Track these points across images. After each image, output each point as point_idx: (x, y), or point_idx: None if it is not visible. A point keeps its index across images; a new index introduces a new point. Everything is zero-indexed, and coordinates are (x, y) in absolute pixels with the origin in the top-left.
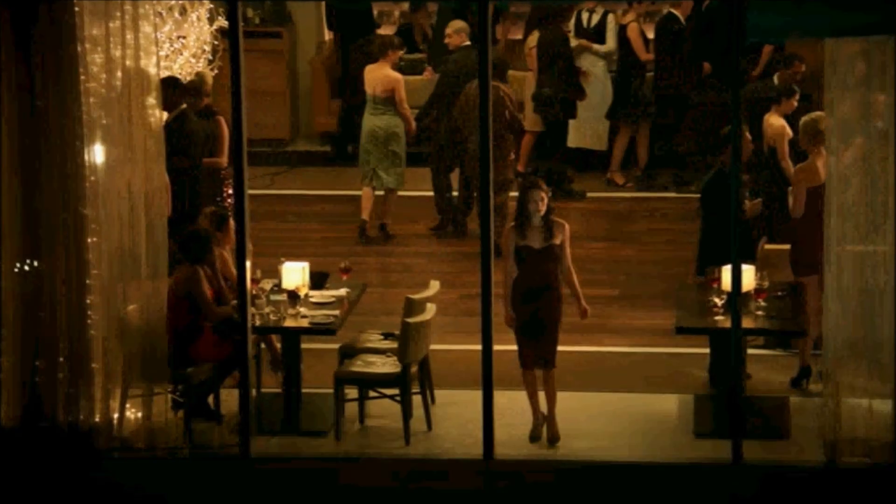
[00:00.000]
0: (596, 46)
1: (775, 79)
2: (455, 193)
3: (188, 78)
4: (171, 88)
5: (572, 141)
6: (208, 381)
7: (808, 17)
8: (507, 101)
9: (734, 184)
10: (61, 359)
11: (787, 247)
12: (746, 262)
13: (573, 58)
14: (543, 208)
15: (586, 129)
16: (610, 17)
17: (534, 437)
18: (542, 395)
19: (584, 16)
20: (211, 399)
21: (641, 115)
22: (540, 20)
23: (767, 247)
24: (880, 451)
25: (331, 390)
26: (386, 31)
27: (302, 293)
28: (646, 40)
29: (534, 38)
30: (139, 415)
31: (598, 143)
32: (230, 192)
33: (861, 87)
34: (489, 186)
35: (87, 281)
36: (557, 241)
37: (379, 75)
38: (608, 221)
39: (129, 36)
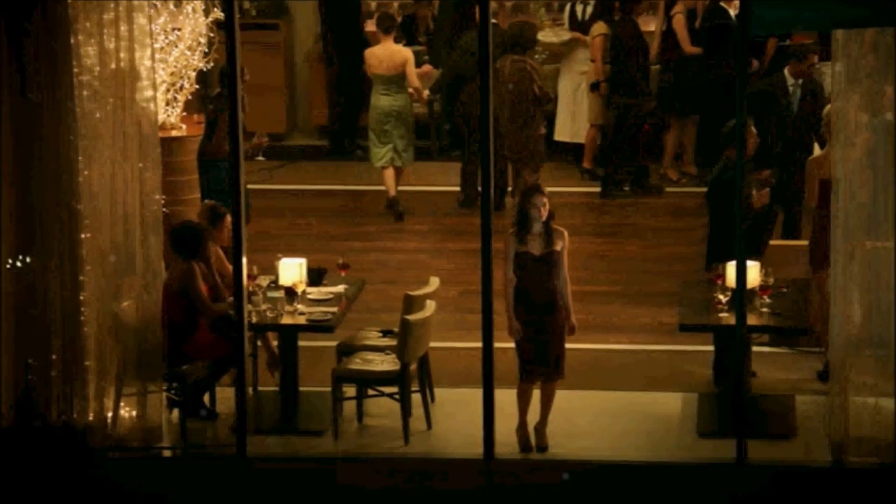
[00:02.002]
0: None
1: (786, 72)
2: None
3: (183, 72)
4: None
5: (561, 135)
6: (204, 380)
7: (812, 8)
8: (535, 75)
9: (738, 178)
10: (54, 356)
11: (792, 242)
12: (753, 258)
13: (649, 50)
14: (545, 214)
15: (578, 123)
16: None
17: (523, 447)
18: (534, 396)
19: (579, 8)
20: (207, 397)
21: (680, 109)
22: (608, 11)
23: (773, 243)
24: (887, 451)
25: (328, 388)
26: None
27: (299, 290)
28: (692, 33)
29: (598, 28)
30: (134, 413)
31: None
32: None
33: (869, 80)
34: (490, 181)
35: (81, 277)
36: (557, 248)
37: (386, 53)
38: (612, 217)
39: (124, 28)
